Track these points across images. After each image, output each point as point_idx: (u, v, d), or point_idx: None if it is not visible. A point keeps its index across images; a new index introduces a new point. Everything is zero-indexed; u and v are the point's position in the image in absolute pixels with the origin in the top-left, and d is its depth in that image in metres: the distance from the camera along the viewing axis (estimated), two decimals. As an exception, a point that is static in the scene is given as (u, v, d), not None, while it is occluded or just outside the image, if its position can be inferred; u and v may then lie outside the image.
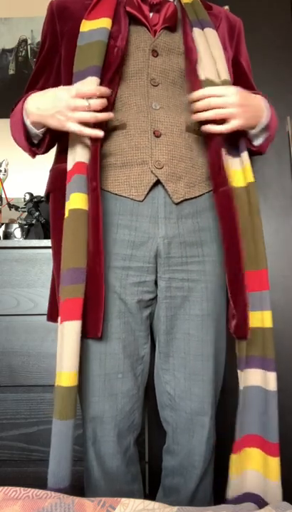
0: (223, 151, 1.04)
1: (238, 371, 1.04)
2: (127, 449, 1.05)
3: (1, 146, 1.89)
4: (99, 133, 1.00)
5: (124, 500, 0.73)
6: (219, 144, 1.04)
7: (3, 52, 2.12)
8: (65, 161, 1.05)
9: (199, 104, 1.01)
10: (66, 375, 0.92)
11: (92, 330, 0.97)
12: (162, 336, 1.08)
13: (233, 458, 1.00)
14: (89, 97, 0.98)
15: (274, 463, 0.98)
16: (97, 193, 1.00)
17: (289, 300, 1.66)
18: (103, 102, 0.99)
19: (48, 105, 1.02)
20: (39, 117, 1.04)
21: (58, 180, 1.08)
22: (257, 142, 1.13)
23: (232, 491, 0.98)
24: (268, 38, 1.76)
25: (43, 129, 1.07)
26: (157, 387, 1.10)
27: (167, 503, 0.80)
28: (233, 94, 1.01)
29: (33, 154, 1.14)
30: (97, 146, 1.01)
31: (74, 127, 0.99)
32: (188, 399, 1.04)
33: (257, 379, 1.02)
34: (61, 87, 1.03)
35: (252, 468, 0.98)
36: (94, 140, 1.01)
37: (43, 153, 1.15)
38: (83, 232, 0.98)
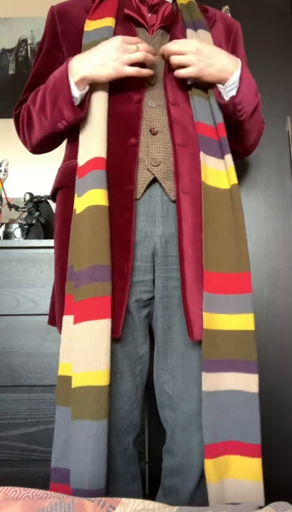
0: (202, 154, 1.03)
1: (203, 373, 0.97)
2: (126, 448, 1.04)
3: (1, 146, 1.90)
4: (150, 72, 1.06)
5: (124, 500, 0.73)
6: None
7: (3, 52, 2.12)
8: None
9: (165, 54, 1.07)
10: (101, 374, 0.91)
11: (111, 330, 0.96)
12: (159, 336, 1.08)
13: (209, 463, 0.94)
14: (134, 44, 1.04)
15: (256, 463, 0.94)
16: (132, 196, 1.02)
17: (289, 300, 1.66)
18: (149, 46, 1.05)
19: (97, 56, 1.02)
20: (89, 71, 1.02)
21: (74, 176, 1.06)
22: (227, 96, 1.08)
23: (213, 499, 0.94)
24: (268, 38, 1.76)
25: (83, 91, 1.04)
26: (156, 386, 1.10)
27: (166, 503, 0.80)
28: (192, 44, 1.05)
29: (74, 114, 1.04)
30: (136, 150, 1.03)
31: (131, 69, 1.03)
32: (186, 399, 1.04)
33: (236, 383, 0.97)
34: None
35: (231, 477, 0.95)
36: (133, 144, 1.03)
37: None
38: (107, 230, 0.97)
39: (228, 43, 1.21)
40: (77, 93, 1.03)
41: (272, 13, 1.79)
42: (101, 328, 0.92)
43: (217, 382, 0.97)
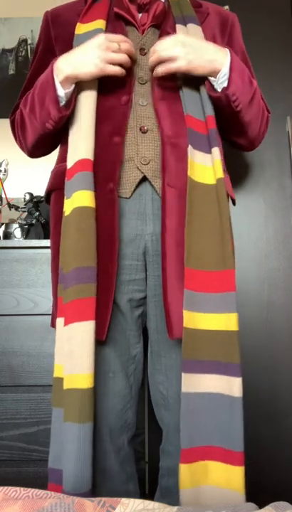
0: (190, 148, 1.01)
1: (183, 374, 0.93)
2: (121, 448, 1.04)
3: (1, 146, 1.89)
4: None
5: (124, 500, 0.73)
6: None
7: (3, 52, 2.12)
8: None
9: (150, 57, 1.04)
10: (84, 376, 0.90)
11: (96, 332, 0.95)
12: (152, 335, 1.08)
13: (184, 468, 0.90)
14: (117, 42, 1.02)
15: (239, 472, 0.90)
16: (113, 195, 1.01)
17: (289, 300, 1.66)
18: (131, 47, 1.03)
19: (79, 54, 1.02)
20: (73, 69, 1.01)
21: (63, 178, 1.06)
22: (219, 87, 1.05)
23: (184, 504, 0.90)
24: (268, 38, 1.76)
25: (69, 90, 1.04)
26: (151, 386, 1.10)
27: (165, 503, 0.80)
28: (176, 38, 1.03)
29: (59, 113, 1.04)
30: (119, 149, 1.02)
31: (115, 69, 1.02)
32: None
33: (217, 385, 0.94)
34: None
35: (210, 484, 0.91)
36: (117, 143, 1.02)
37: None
38: (93, 231, 0.97)
39: (223, 35, 1.19)
40: (62, 92, 1.03)
41: (272, 13, 1.79)
42: (85, 330, 0.92)
43: (197, 383, 0.94)
